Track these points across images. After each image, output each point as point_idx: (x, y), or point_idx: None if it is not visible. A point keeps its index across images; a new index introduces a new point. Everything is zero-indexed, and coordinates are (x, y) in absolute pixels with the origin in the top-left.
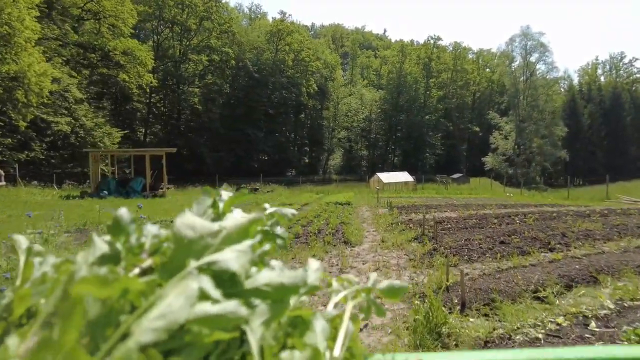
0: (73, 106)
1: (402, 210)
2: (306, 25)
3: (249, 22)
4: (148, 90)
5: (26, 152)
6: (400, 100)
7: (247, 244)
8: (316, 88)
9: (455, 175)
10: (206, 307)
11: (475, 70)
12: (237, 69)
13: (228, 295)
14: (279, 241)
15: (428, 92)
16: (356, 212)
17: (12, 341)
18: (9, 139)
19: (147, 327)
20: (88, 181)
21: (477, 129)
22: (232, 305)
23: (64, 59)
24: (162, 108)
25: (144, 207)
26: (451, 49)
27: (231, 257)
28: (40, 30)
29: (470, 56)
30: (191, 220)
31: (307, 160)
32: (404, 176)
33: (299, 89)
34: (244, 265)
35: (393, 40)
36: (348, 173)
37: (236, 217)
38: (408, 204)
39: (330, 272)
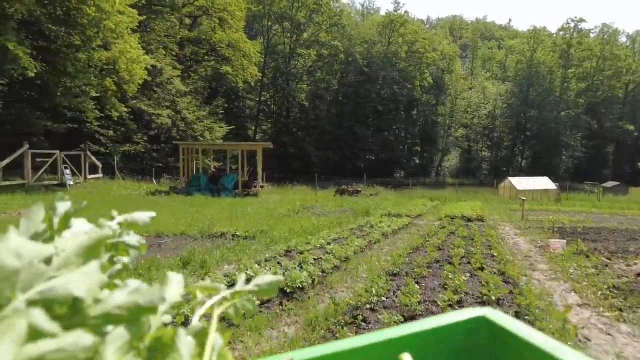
0: (176, 99)
1: (572, 235)
2: (421, 19)
3: (362, 19)
4: (258, 87)
5: (128, 144)
6: (531, 93)
7: (93, 264)
8: (431, 81)
9: (609, 184)
10: (39, 345)
11: (630, 57)
12: (345, 64)
13: (72, 325)
14: (132, 252)
15: (565, 84)
16: (504, 241)
17: None
18: (112, 131)
19: None
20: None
21: (631, 127)
22: (73, 336)
23: (173, 53)
24: (272, 106)
25: (225, 208)
26: (597, 32)
27: (72, 282)
28: (143, 20)
29: (622, 40)
30: (16, 244)
31: (417, 161)
32: (543, 182)
33: (411, 82)
34: (91, 288)
35: (520, 30)
36: (465, 176)
37: (77, 233)
38: (572, 224)
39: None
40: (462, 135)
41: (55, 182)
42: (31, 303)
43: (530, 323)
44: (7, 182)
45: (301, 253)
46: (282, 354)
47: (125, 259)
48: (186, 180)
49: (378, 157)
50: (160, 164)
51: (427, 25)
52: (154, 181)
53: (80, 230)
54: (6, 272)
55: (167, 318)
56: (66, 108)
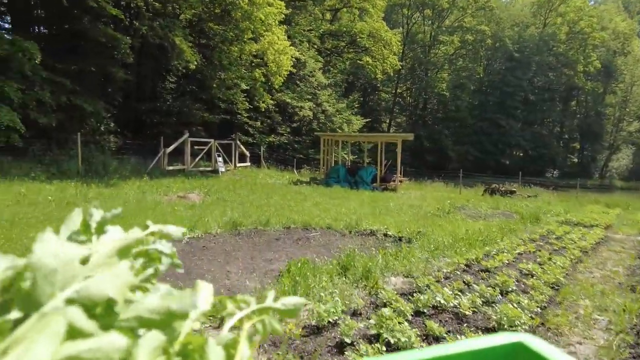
0: (317, 91)
1: None
2: None
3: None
4: (395, 79)
5: (273, 135)
6: None
7: (124, 266)
8: (599, 66)
9: None
10: (76, 344)
11: None
12: (492, 50)
13: (106, 326)
14: (164, 259)
15: None
16: None
17: None
18: (259, 122)
19: None
20: (323, 168)
21: None
22: (109, 338)
23: (315, 46)
24: (408, 98)
25: (366, 202)
26: None
27: (106, 283)
28: (288, 14)
29: None
30: (54, 245)
31: (575, 160)
32: None
33: (572, 68)
34: (122, 290)
35: None
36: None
37: (111, 238)
38: None
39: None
40: (637, 129)
41: (209, 169)
42: (69, 302)
43: None
44: (171, 167)
45: (487, 271)
46: None
47: (151, 270)
48: (325, 172)
49: (527, 153)
50: (302, 155)
51: (592, 2)
52: (295, 171)
53: (114, 236)
54: (45, 271)
55: (197, 325)
56: (220, 100)
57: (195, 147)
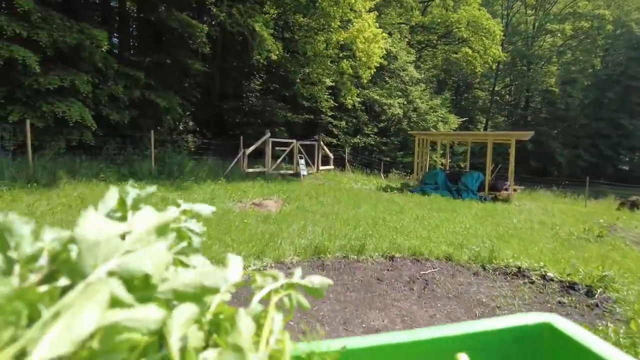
0: (408, 87)
1: None
2: None
3: None
4: (493, 75)
5: (358, 136)
6: None
7: (160, 243)
8: None
9: None
10: (118, 313)
11: None
12: (613, 38)
13: (142, 298)
14: (195, 238)
15: None
16: None
17: None
18: (344, 122)
19: (51, 340)
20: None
21: None
22: (146, 309)
23: (406, 39)
24: (507, 96)
25: (480, 217)
26: None
27: (143, 258)
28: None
29: None
30: (97, 221)
31: None
32: None
33: None
34: (158, 265)
35: None
36: None
37: (147, 216)
38: None
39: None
40: None
41: (291, 172)
42: (110, 274)
43: None
44: (251, 170)
45: None
46: (337, 338)
47: (183, 245)
48: (419, 177)
49: None
50: (389, 158)
51: None
52: (382, 176)
53: (149, 214)
54: (89, 244)
55: (227, 297)
56: (304, 98)
57: (277, 148)
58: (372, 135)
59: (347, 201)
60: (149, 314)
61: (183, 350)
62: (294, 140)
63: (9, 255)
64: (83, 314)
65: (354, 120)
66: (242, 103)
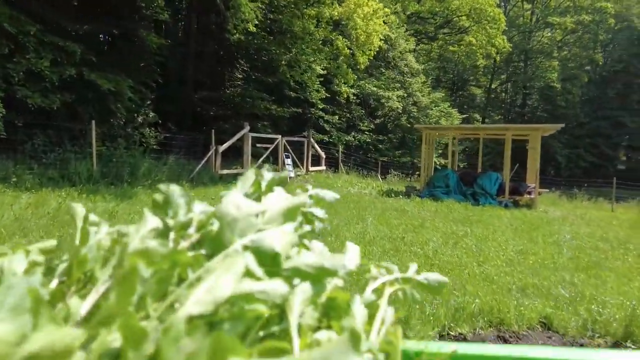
0: (407, 79)
1: None
2: None
3: None
4: (490, 70)
5: (353, 133)
6: None
7: (289, 225)
8: None
9: None
10: (250, 284)
11: None
12: (613, 33)
13: (269, 273)
14: (318, 223)
15: None
16: None
17: (73, 301)
18: (337, 117)
19: (196, 300)
20: (417, 173)
21: None
22: (274, 283)
23: (404, 26)
24: (503, 94)
25: (522, 231)
26: None
27: (274, 237)
28: None
29: None
30: (237, 200)
31: None
32: None
33: None
34: (286, 245)
35: None
36: None
37: (279, 198)
38: None
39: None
40: None
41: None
42: (245, 248)
43: None
44: (226, 171)
45: None
46: (449, 342)
47: (308, 228)
48: (426, 179)
49: None
50: (386, 158)
51: None
52: (380, 177)
53: (280, 196)
54: (229, 219)
55: (341, 282)
56: (291, 88)
57: (258, 145)
58: (368, 133)
59: (347, 211)
60: (276, 288)
61: (300, 328)
62: (279, 136)
63: (167, 221)
64: (222, 280)
65: (348, 114)
66: (219, 93)
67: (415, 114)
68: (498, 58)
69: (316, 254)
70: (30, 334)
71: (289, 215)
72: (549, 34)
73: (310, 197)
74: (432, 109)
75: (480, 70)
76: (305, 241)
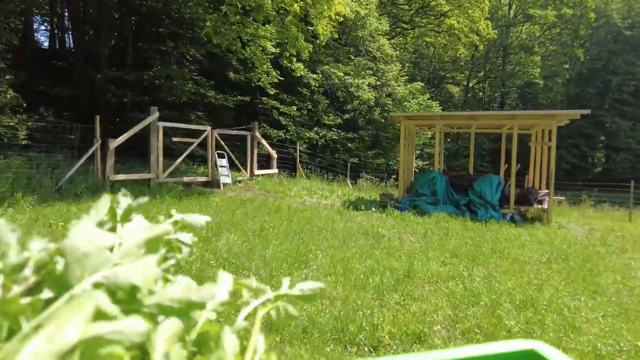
0: (381, 66)
1: None
2: None
3: None
4: (468, 69)
5: (316, 128)
6: None
7: (151, 257)
8: None
9: None
10: (102, 325)
11: None
12: (593, 29)
13: (128, 311)
14: (184, 249)
15: None
16: None
17: None
18: (295, 108)
19: (31, 353)
20: (394, 177)
21: None
22: (131, 322)
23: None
24: (480, 93)
25: (541, 263)
26: None
27: (132, 271)
28: None
29: None
30: (88, 231)
31: None
32: None
33: None
34: (147, 279)
35: None
36: None
37: (139, 228)
38: None
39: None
40: None
41: (204, 179)
42: (96, 285)
43: None
44: (122, 176)
45: None
46: None
47: (178, 256)
48: (406, 185)
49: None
50: (357, 160)
51: None
52: (349, 182)
53: (140, 225)
54: (79, 255)
55: (213, 315)
56: (233, 69)
57: (175, 140)
58: (335, 129)
59: (284, 239)
60: (133, 326)
61: None
62: (208, 128)
63: None
64: (66, 326)
65: (310, 105)
66: (123, 71)
67: (390, 107)
68: (482, 47)
69: (182, 287)
70: None
71: (150, 246)
72: (527, 28)
73: (175, 223)
74: (409, 101)
75: (458, 66)
76: (170, 276)
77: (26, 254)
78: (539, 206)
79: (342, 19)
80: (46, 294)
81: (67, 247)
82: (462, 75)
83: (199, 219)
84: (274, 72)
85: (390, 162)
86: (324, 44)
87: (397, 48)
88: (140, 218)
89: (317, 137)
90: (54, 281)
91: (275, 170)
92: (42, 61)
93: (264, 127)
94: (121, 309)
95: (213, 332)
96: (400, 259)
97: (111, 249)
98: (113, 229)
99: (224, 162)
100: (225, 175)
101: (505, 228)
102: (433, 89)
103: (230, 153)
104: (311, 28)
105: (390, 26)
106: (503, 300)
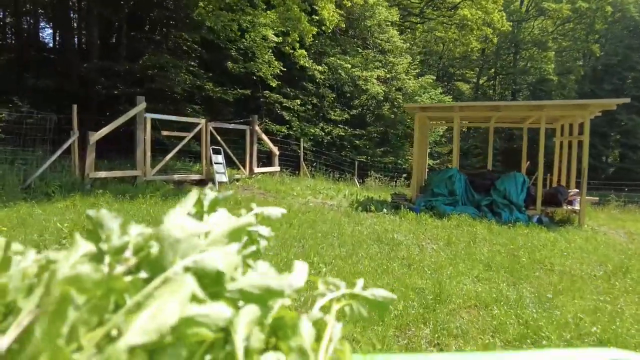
0: (390, 58)
1: None
2: None
3: None
4: (479, 63)
5: (322, 125)
6: None
7: (234, 245)
8: None
9: None
10: (192, 307)
11: None
12: (609, 23)
13: (212, 295)
14: (262, 242)
15: None
16: None
17: None
18: (299, 101)
19: (139, 328)
20: (404, 176)
21: None
22: (218, 306)
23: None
24: (490, 91)
25: (602, 280)
26: None
27: (217, 258)
28: None
29: None
30: (180, 220)
31: None
32: None
33: None
34: (230, 266)
35: None
36: None
37: (224, 218)
38: None
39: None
40: None
41: (197, 177)
42: (186, 269)
43: None
44: (103, 174)
45: None
46: (396, 353)
47: (253, 249)
48: (420, 183)
49: None
50: (365, 158)
51: None
52: (357, 181)
53: (224, 216)
54: (172, 240)
55: (287, 301)
56: (232, 59)
57: (165, 133)
58: (342, 125)
59: (284, 245)
60: (219, 311)
61: (246, 350)
62: (202, 121)
63: (100, 246)
64: (167, 306)
65: (315, 99)
66: (113, 61)
67: (400, 101)
68: (495, 39)
69: (261, 275)
70: None
71: (234, 236)
72: (541, 23)
73: (256, 215)
74: (420, 96)
75: (468, 62)
76: (250, 262)
77: (126, 238)
78: (569, 207)
79: (349, 4)
80: (142, 274)
81: (162, 233)
82: (472, 72)
83: (277, 212)
84: (276, 63)
85: (399, 161)
86: (330, 30)
87: (406, 43)
88: (224, 210)
89: (323, 133)
90: (149, 263)
91: (277, 168)
92: (27, 51)
93: (266, 122)
94: (207, 292)
95: (288, 318)
96: (425, 274)
97: (202, 237)
98: (200, 219)
99: (220, 158)
100: (221, 173)
101: (536, 232)
102: (443, 86)
103: (227, 149)
104: (316, 17)
105: (399, 19)
106: (574, 335)
